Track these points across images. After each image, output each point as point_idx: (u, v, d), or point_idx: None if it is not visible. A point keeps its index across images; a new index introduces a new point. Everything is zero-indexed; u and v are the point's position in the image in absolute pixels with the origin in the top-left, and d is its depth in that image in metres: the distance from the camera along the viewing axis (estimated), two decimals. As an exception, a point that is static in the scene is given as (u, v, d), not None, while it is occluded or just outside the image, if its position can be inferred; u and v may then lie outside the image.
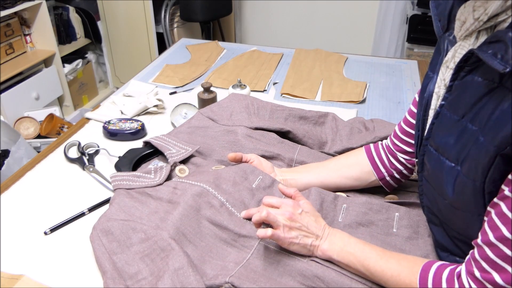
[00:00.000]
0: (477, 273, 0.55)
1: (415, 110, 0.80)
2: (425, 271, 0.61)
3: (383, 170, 0.86)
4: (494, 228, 0.53)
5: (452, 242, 0.68)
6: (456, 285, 0.57)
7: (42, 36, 2.48)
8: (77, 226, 0.88)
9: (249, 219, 0.78)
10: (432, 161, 0.65)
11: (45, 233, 0.85)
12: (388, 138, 0.88)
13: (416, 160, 0.72)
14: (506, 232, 0.51)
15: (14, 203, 0.94)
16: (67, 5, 2.67)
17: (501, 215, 0.52)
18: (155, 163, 1.00)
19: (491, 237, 0.53)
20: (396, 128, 0.85)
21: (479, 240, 0.56)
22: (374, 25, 2.86)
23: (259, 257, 0.74)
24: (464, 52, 0.59)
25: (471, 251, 0.58)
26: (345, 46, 3.02)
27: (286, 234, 0.71)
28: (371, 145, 0.90)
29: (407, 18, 2.60)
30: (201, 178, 0.84)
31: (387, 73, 1.54)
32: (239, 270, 0.71)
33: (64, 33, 2.70)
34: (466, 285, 0.56)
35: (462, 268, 0.58)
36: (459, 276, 0.58)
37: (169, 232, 0.75)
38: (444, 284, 0.58)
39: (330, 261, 0.71)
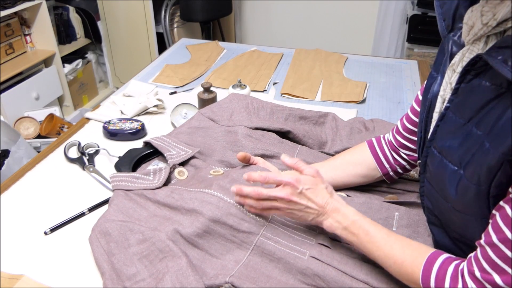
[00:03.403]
0: (477, 273, 0.55)
1: (417, 108, 0.80)
2: (430, 264, 0.60)
3: (387, 166, 0.86)
4: (498, 230, 0.52)
5: (452, 243, 0.67)
6: (460, 284, 0.56)
7: (42, 36, 2.48)
8: (77, 226, 0.88)
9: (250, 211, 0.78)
10: (435, 163, 0.64)
11: (45, 233, 0.85)
12: (390, 133, 0.87)
13: (419, 161, 0.72)
14: (509, 234, 0.51)
15: (14, 203, 0.94)
16: (67, 5, 2.67)
17: (505, 218, 0.52)
18: (155, 163, 1.01)
19: (494, 238, 0.53)
20: (398, 124, 0.85)
21: (482, 241, 0.55)
22: (374, 25, 2.86)
23: (259, 253, 0.74)
24: (472, 57, 0.58)
25: (474, 252, 0.58)
26: (345, 46, 3.02)
27: (287, 215, 0.73)
28: (374, 140, 0.89)
29: (407, 18, 2.60)
30: (199, 186, 0.84)
31: (387, 73, 1.54)
32: (239, 269, 0.71)
33: (64, 33, 2.70)
34: (469, 284, 0.55)
35: (464, 266, 0.58)
36: (463, 274, 0.57)
37: (167, 234, 0.75)
38: (447, 281, 0.58)
39: (330, 262, 0.71)
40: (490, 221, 0.55)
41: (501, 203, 0.53)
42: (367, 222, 0.68)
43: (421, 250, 0.63)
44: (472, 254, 0.58)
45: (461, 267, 0.58)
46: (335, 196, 0.72)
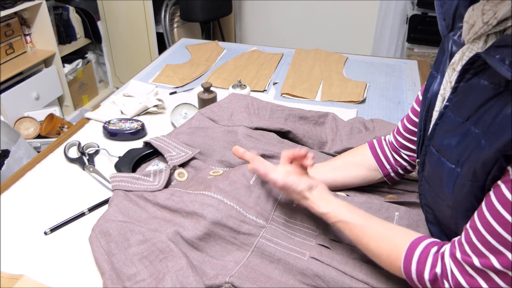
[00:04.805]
0: (458, 255, 0.56)
1: (418, 109, 0.80)
2: (412, 249, 0.62)
3: (388, 166, 0.86)
4: (480, 215, 0.54)
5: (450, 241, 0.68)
6: (438, 268, 0.58)
7: (42, 36, 2.48)
8: (77, 226, 0.88)
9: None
10: (433, 162, 0.65)
11: (45, 233, 0.85)
12: (391, 134, 0.88)
13: (418, 160, 0.72)
14: (490, 219, 0.52)
15: (14, 203, 0.94)
16: (67, 5, 2.67)
17: (489, 204, 0.53)
18: (155, 163, 1.01)
19: (478, 222, 0.54)
20: (399, 125, 0.85)
21: (467, 225, 0.57)
22: (374, 25, 2.86)
23: (259, 255, 0.74)
24: (471, 56, 0.59)
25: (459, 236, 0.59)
26: (345, 46, 3.02)
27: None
28: (375, 142, 0.90)
29: (407, 18, 2.60)
30: (198, 188, 0.85)
31: (387, 73, 1.54)
32: (239, 269, 0.71)
33: (64, 33, 2.70)
34: (448, 266, 0.57)
35: (447, 248, 0.59)
36: (443, 256, 0.59)
37: (167, 235, 0.75)
38: (428, 263, 0.60)
39: (330, 262, 0.72)
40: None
41: (491, 192, 0.54)
42: (343, 218, 0.70)
43: (396, 242, 0.65)
44: (456, 238, 0.59)
45: (442, 250, 0.60)
46: (315, 192, 0.74)
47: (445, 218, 0.66)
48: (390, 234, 0.66)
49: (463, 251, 0.56)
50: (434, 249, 0.61)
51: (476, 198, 0.56)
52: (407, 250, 0.62)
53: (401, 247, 0.63)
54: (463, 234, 0.57)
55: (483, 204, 0.54)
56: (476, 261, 0.54)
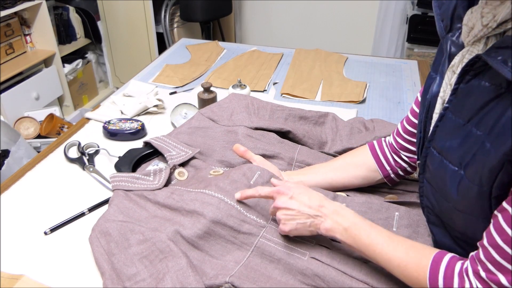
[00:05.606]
0: (482, 274, 0.55)
1: (417, 110, 0.80)
2: (436, 263, 0.60)
3: (388, 168, 0.86)
4: (501, 231, 0.52)
5: (453, 242, 0.67)
6: (467, 284, 0.56)
7: (42, 36, 2.48)
8: (77, 226, 0.88)
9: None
10: (435, 163, 0.64)
11: (45, 233, 0.85)
12: (391, 136, 0.88)
13: (418, 161, 0.72)
14: None
15: (14, 203, 0.94)
16: (67, 5, 2.67)
17: (508, 219, 0.52)
18: (155, 163, 1.01)
19: (498, 240, 0.53)
20: (399, 126, 0.85)
21: (484, 242, 0.55)
22: (374, 25, 2.86)
23: (259, 254, 0.74)
24: (472, 57, 0.59)
25: (475, 251, 0.58)
26: (345, 46, 3.02)
27: (282, 227, 0.72)
28: (375, 143, 0.90)
29: (407, 18, 2.60)
30: (198, 186, 0.85)
31: (387, 73, 1.54)
32: (239, 269, 0.71)
33: (64, 33, 2.70)
34: (474, 284, 0.56)
35: (469, 265, 0.58)
36: (467, 273, 0.57)
37: (167, 234, 0.75)
38: (456, 280, 0.57)
39: (330, 262, 0.71)
40: (492, 221, 0.55)
41: (504, 204, 0.53)
42: (368, 224, 0.67)
43: (425, 251, 0.63)
44: (474, 254, 0.58)
45: (465, 266, 0.58)
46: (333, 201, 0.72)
47: (450, 219, 0.65)
48: (412, 249, 0.63)
49: (487, 270, 0.54)
50: (458, 266, 0.59)
51: (483, 202, 0.56)
52: (432, 265, 0.60)
53: (424, 261, 0.61)
54: (481, 251, 0.55)
55: (500, 219, 0.53)
56: (503, 279, 0.52)
